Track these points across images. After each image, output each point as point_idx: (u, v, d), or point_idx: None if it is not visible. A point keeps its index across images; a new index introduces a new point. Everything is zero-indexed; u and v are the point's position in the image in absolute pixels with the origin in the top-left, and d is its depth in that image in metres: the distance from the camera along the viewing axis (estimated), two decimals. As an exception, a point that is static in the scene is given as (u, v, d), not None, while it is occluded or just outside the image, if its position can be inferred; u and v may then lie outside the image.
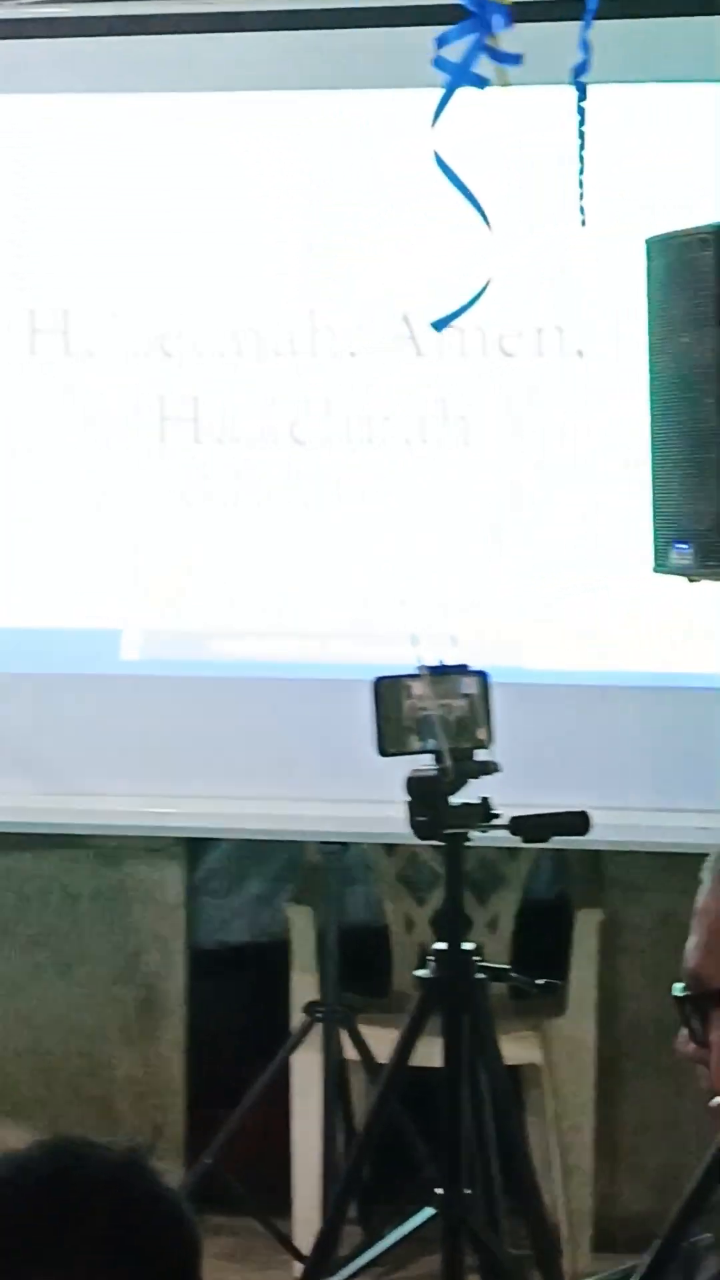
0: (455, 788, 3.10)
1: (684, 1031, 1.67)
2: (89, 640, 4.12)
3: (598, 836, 3.21)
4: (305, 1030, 4.05)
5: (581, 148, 3.08)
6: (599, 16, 2.97)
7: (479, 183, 3.07)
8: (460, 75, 2.98)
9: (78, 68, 4.01)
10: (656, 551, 3.25)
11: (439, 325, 3.24)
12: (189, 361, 4.02)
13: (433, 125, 2.97)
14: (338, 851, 4.14)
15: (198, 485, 4.06)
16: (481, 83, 3.04)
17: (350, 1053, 4.02)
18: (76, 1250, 1.32)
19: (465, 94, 3.00)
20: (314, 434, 4.01)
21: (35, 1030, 4.58)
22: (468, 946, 3.20)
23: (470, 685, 3.18)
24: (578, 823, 3.14)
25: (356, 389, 3.98)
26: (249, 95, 3.98)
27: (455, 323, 3.61)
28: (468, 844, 3.17)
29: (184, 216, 4.02)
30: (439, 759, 3.10)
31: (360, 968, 4.24)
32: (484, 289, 3.16)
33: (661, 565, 3.25)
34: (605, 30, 3.08)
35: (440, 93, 2.99)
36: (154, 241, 4.02)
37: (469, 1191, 3.18)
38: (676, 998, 1.67)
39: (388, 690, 3.15)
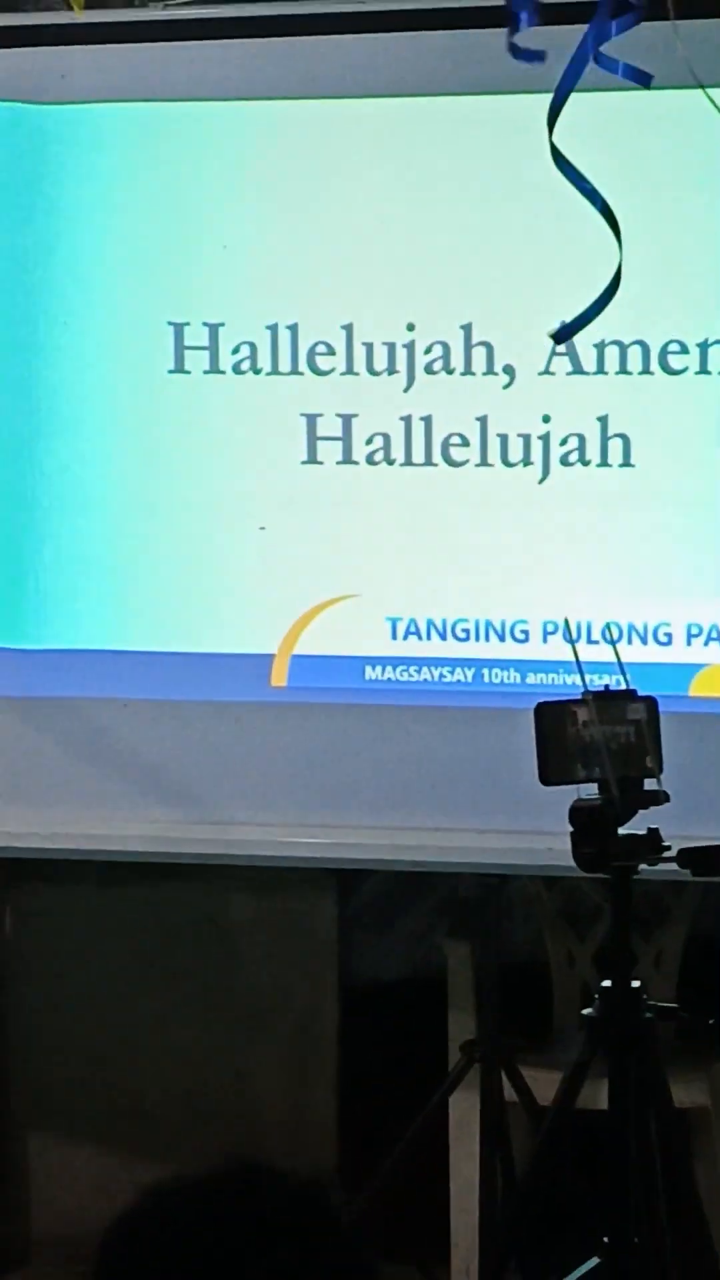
0: (623, 818, 3.08)
1: None
2: (238, 666, 4.18)
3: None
4: (463, 1071, 4.06)
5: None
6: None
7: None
8: (627, 72, 3.04)
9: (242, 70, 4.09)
10: None
11: (560, 336, 3.25)
12: (341, 380, 4.07)
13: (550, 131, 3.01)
14: (497, 885, 4.17)
15: (350, 509, 4.12)
16: (646, 79, 3.11)
17: (510, 1095, 4.01)
18: (259, 1272, 1.40)
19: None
20: (469, 454, 4.02)
21: (182, 1067, 4.68)
22: (635, 984, 3.19)
23: (637, 711, 3.16)
24: (750, 855, 3.12)
25: (512, 406, 3.98)
26: (386, 101, 4.02)
27: (617, 336, 3.56)
28: (635, 877, 3.15)
29: (337, 234, 4.07)
30: (605, 788, 3.08)
31: (520, 1006, 4.25)
32: (608, 299, 3.18)
33: None
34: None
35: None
36: (307, 258, 4.08)
37: (637, 1240, 3.18)
38: None
39: (551, 716, 3.13)
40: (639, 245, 3.47)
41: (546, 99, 3.16)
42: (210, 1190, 1.46)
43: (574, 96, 3.14)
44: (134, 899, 4.76)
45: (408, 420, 4.05)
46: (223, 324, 4.09)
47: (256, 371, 4.09)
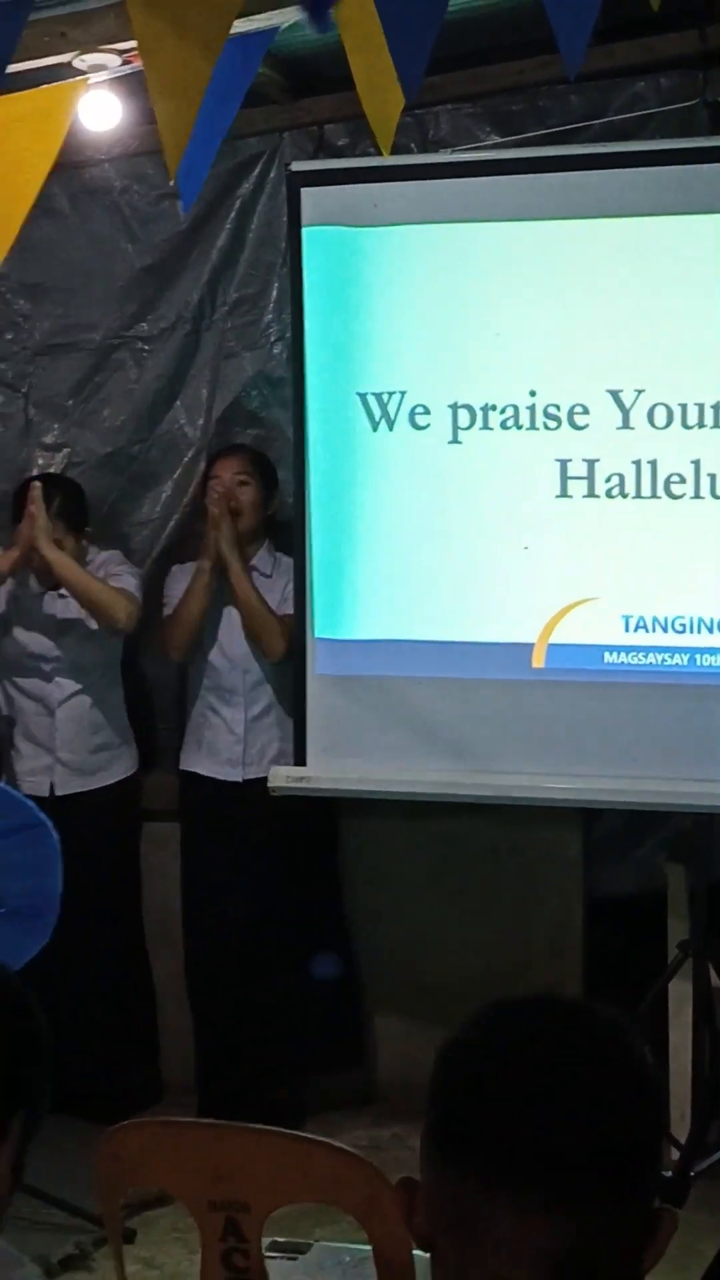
0: None
1: None
2: (507, 652, 4.87)
3: None
4: (679, 964, 4.76)
5: None
6: None
7: None
8: None
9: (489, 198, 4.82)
10: None
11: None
12: (591, 433, 4.76)
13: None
14: (706, 820, 4.81)
15: (593, 531, 4.79)
16: None
17: (716, 982, 4.74)
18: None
19: None
20: (685, 489, 4.70)
21: (457, 963, 5.23)
22: None
23: None
24: None
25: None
26: (622, 220, 4.72)
27: None
28: None
29: (584, 323, 4.76)
30: None
31: (724, 914, 4.84)
32: None
33: None
34: None
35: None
36: (561, 342, 4.77)
37: None
38: None
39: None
40: None
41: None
42: (533, 1015, 1.52)
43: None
44: (430, 829, 5.38)
45: (638, 463, 4.74)
46: (492, 398, 4.80)
47: (519, 428, 4.83)
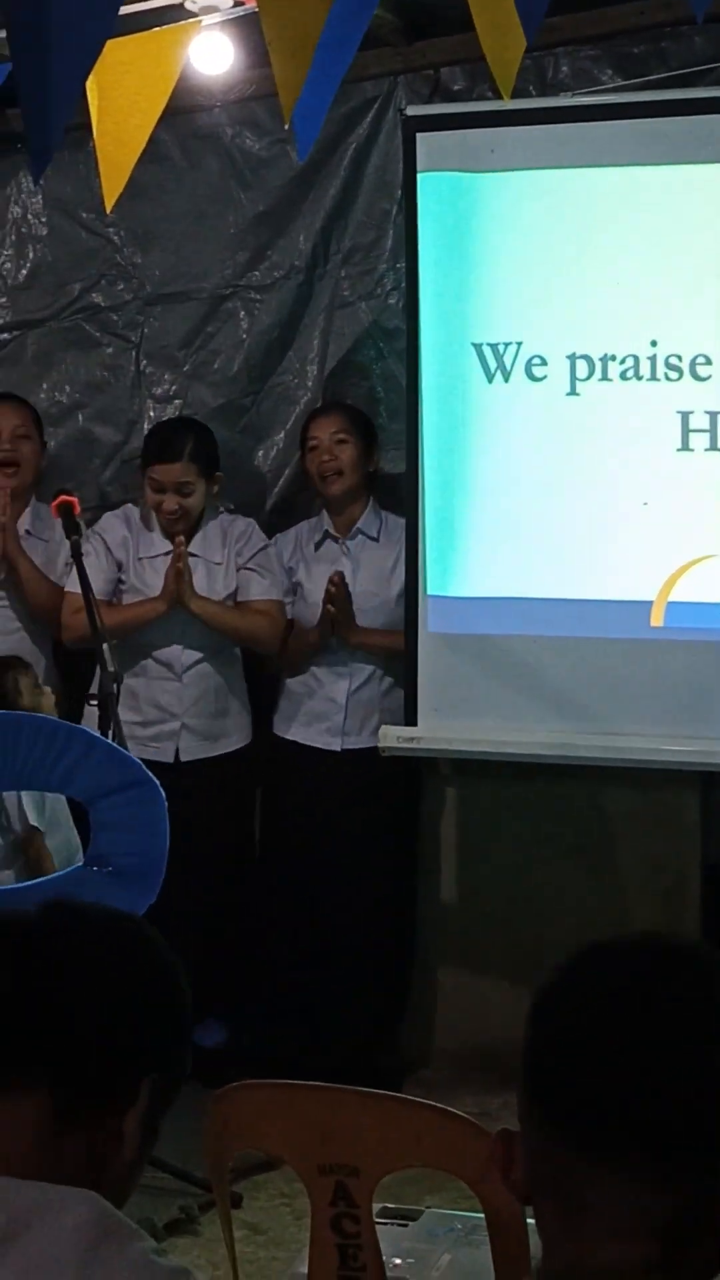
0: None
1: None
2: (624, 610, 4.83)
3: None
4: None
5: None
6: None
7: None
8: None
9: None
10: None
11: None
12: (713, 384, 4.69)
13: None
14: None
15: (715, 486, 4.72)
16: None
17: None
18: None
19: None
20: None
21: (567, 928, 5.17)
22: None
23: None
24: None
25: None
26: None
27: None
28: None
29: (700, 270, 4.71)
30: None
31: None
32: None
33: None
34: None
35: None
36: (680, 291, 4.72)
37: None
38: None
39: None
40: None
41: None
42: (632, 957, 1.43)
43: None
44: (538, 791, 5.34)
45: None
46: (611, 348, 4.76)
47: (639, 379, 4.76)
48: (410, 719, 5.07)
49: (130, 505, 5.46)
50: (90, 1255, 1.42)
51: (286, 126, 2.98)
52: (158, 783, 3.91)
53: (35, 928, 1.67)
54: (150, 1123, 1.63)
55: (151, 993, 1.66)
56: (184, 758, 5.30)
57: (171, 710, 5.31)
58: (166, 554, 5.20)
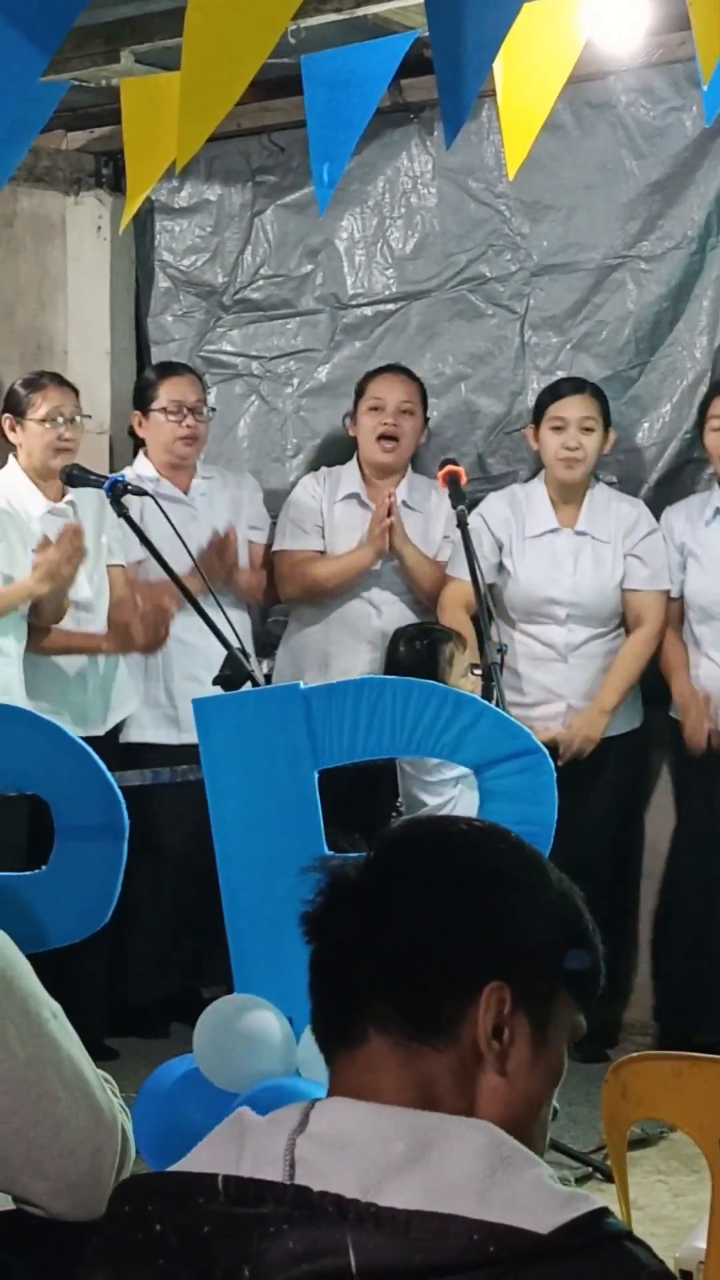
0: None
1: None
2: None
3: None
4: None
5: None
6: None
7: None
8: None
9: None
10: None
11: None
12: None
13: None
14: None
15: None
16: None
17: None
18: None
19: None
20: None
21: None
22: None
23: None
24: None
25: None
26: None
27: None
28: None
29: None
30: None
31: None
32: None
33: None
34: None
35: None
36: None
37: None
38: None
39: None
40: None
41: None
42: None
43: None
44: None
45: None
46: None
47: None
48: None
49: (515, 486, 5.48)
50: (489, 1180, 1.44)
51: (704, 86, 2.92)
52: (546, 752, 3.90)
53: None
54: (532, 1038, 1.58)
55: (465, 896, 1.60)
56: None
57: (558, 691, 5.32)
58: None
